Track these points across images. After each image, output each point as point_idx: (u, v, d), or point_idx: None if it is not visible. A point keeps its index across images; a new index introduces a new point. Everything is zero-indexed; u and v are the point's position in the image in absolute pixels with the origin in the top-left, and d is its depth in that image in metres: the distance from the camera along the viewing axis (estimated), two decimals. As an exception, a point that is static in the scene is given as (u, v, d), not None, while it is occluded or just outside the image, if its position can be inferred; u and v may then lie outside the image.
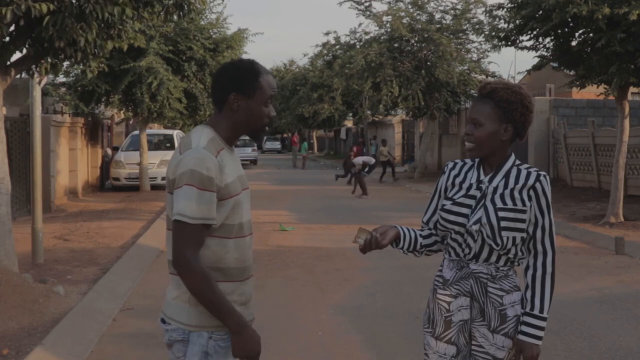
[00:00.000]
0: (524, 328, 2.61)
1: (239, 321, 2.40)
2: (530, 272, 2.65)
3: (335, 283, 7.85)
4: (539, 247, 2.64)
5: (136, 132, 20.82)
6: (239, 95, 2.48)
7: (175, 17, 7.37)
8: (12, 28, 6.46)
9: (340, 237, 11.36)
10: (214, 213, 2.39)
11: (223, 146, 2.47)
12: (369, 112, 31.07)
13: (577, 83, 12.82)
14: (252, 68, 2.51)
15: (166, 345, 2.51)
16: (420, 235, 2.81)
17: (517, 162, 2.71)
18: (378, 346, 5.47)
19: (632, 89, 13.83)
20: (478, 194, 2.67)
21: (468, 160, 2.78)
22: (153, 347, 5.36)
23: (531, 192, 2.63)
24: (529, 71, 13.61)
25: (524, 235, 2.63)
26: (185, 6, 7.09)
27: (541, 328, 2.60)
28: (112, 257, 8.92)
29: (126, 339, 5.72)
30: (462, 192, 2.70)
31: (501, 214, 2.60)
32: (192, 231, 2.35)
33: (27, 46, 7.00)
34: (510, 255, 2.64)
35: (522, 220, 2.61)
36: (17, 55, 7.02)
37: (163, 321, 2.51)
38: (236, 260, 2.48)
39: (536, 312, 2.60)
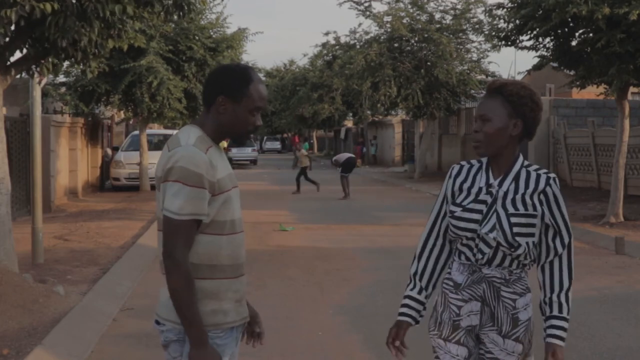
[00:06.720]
0: (555, 331, 2.55)
1: (202, 335, 2.37)
2: (549, 274, 2.60)
3: (335, 283, 7.84)
4: (558, 249, 2.59)
5: (136, 132, 20.83)
6: (226, 99, 2.48)
7: (175, 17, 7.38)
8: (12, 28, 6.46)
9: (340, 237, 11.37)
10: (204, 209, 2.39)
11: (211, 144, 2.48)
12: (369, 112, 31.07)
13: (577, 83, 12.81)
14: (244, 74, 2.50)
15: (162, 346, 2.51)
16: (424, 299, 2.73)
17: (526, 162, 2.64)
18: (378, 346, 5.45)
19: (632, 89, 13.82)
20: (489, 199, 2.59)
21: (474, 162, 2.69)
22: (153, 347, 5.35)
23: (542, 197, 2.57)
24: (529, 71, 13.60)
25: (535, 239, 2.57)
26: (185, 6, 7.09)
27: (566, 329, 2.58)
28: (112, 257, 8.92)
29: (126, 339, 5.72)
30: (472, 197, 2.62)
31: (513, 219, 2.54)
32: (180, 227, 2.36)
33: (27, 46, 6.99)
34: (522, 259, 2.58)
35: (534, 225, 2.55)
36: (17, 55, 7.02)
37: (157, 322, 2.51)
38: (229, 257, 2.49)
39: (564, 314, 2.57)
